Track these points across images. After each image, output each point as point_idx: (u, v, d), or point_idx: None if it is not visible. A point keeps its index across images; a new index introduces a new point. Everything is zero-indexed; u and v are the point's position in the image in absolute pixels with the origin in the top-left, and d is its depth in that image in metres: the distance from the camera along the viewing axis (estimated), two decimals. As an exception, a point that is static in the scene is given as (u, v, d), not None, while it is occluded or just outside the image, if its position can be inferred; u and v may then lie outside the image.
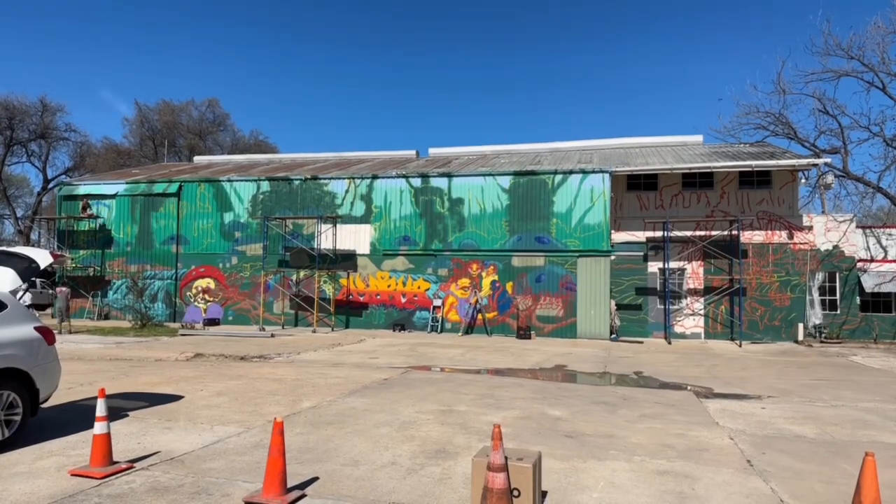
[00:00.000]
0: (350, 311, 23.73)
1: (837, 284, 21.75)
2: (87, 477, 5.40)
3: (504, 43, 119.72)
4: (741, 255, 21.63)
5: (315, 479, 5.47)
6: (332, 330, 22.80)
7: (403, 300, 23.32)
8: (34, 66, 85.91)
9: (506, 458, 4.51)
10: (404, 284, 23.37)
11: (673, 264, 22.40)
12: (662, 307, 22.23)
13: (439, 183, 23.51)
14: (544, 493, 5.22)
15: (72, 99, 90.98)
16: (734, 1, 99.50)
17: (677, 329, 22.31)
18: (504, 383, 11.37)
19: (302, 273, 24.18)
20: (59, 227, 27.05)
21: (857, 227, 22.78)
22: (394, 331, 22.59)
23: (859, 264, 22.31)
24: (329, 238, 23.87)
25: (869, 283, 21.77)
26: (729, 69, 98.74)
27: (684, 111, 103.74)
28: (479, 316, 22.52)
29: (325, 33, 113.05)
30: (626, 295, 22.74)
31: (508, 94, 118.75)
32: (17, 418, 6.39)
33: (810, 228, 21.94)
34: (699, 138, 27.68)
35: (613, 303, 21.92)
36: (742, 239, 21.75)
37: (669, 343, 20.63)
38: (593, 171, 22.19)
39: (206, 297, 24.91)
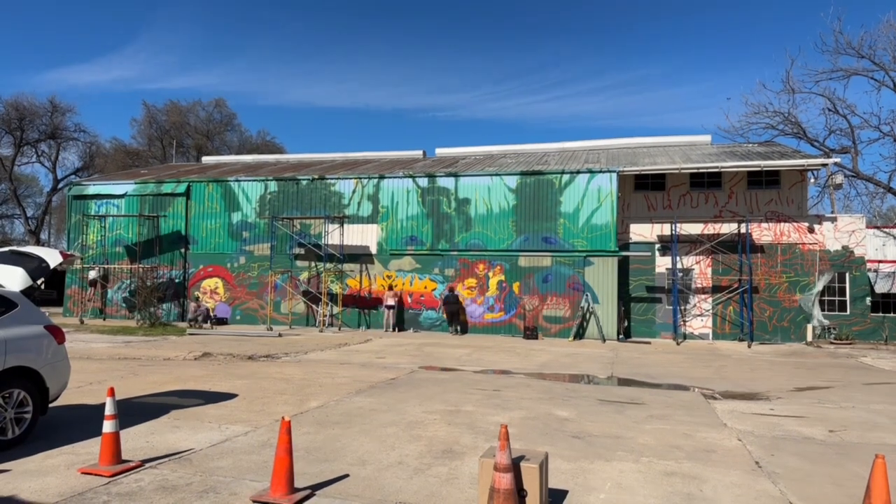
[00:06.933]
0: (357, 311, 23.77)
1: (847, 285, 21.57)
2: (96, 475, 5.44)
3: (510, 43, 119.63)
4: (750, 256, 21.51)
5: (336, 480, 5.48)
6: (339, 330, 22.85)
7: (410, 300, 23.34)
8: (44, 65, 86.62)
9: (512, 458, 4.51)
10: (411, 284, 23.39)
11: (681, 264, 22.30)
12: (670, 307, 22.14)
13: (446, 183, 23.51)
14: (564, 493, 5.22)
15: (81, 99, 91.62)
16: None
17: (685, 329, 22.20)
18: (511, 383, 11.36)
19: (309, 273, 24.26)
20: (69, 227, 27.26)
21: (868, 227, 22.60)
22: (393, 330, 22.58)
23: (870, 265, 22.13)
24: (336, 238, 23.93)
25: (881, 285, 21.59)
26: (737, 68, 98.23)
27: (692, 111, 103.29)
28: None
29: (331, 33, 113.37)
30: (636, 294, 22.68)
31: (515, 94, 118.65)
32: (28, 416, 6.44)
33: (821, 223, 21.75)
34: (707, 138, 27.53)
35: (621, 303, 21.86)
36: (750, 239, 21.62)
37: (678, 344, 20.55)
38: (601, 171, 22.12)
39: (215, 296, 25.02)
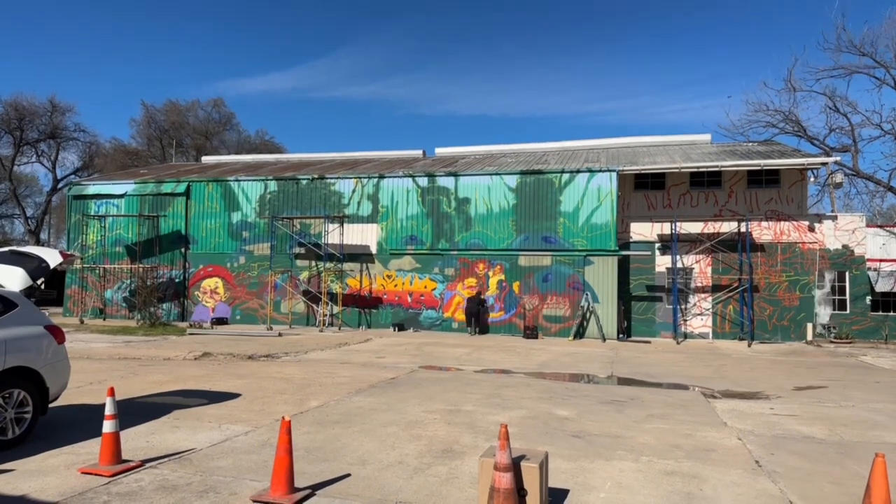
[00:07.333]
0: (357, 311, 23.78)
1: (847, 284, 21.58)
2: (96, 475, 5.44)
3: (509, 42, 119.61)
4: (750, 255, 21.51)
5: (336, 479, 5.48)
6: (339, 329, 22.85)
7: (410, 300, 23.34)
8: (43, 65, 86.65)
9: (513, 457, 4.50)
10: (411, 284, 23.39)
11: (681, 264, 22.31)
12: (671, 307, 22.14)
13: (446, 182, 23.51)
14: (565, 493, 5.22)
15: (81, 99, 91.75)
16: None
17: (685, 329, 22.21)
18: (511, 383, 11.36)
19: (309, 272, 24.26)
20: (68, 227, 27.26)
21: (868, 226, 22.60)
22: (394, 330, 22.61)
23: (871, 264, 22.13)
24: (336, 238, 23.93)
25: (882, 284, 21.59)
26: (738, 66, 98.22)
27: (692, 110, 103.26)
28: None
29: (329, 33, 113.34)
30: (636, 293, 22.69)
31: (514, 93, 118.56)
32: (28, 416, 6.44)
33: (821, 222, 21.74)
34: (707, 137, 27.53)
35: (621, 302, 21.86)
36: (750, 238, 21.63)
37: (678, 343, 20.55)
38: (600, 171, 22.12)
39: (215, 295, 25.00)
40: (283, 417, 5.03)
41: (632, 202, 23.75)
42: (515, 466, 4.51)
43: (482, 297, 22.45)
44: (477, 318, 21.97)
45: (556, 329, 21.79)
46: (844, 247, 21.57)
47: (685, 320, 22.30)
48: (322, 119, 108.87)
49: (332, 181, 24.60)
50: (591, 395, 10.15)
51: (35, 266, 7.84)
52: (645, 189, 23.83)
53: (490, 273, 22.68)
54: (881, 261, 22.77)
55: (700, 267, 22.44)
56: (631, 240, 22.90)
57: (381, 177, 24.14)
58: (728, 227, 22.03)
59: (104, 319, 25.09)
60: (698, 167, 21.93)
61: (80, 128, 47.94)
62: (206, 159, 35.72)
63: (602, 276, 21.57)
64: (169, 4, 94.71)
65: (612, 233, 21.71)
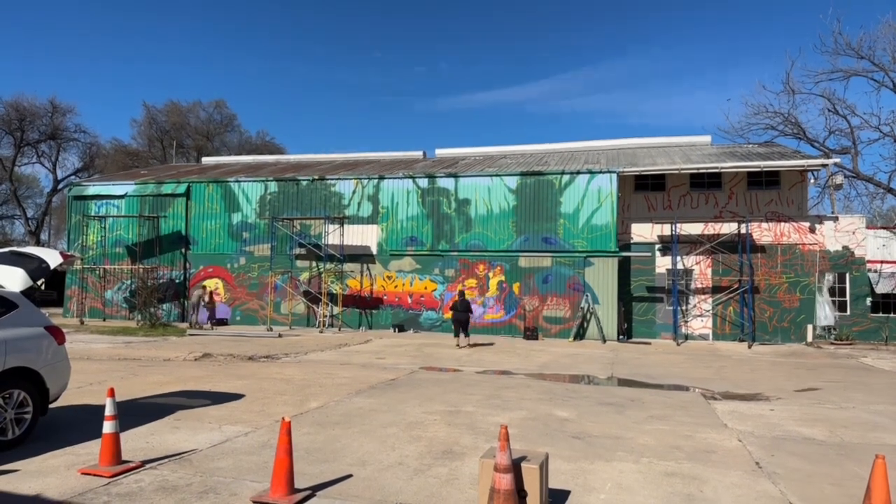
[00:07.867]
0: (357, 312, 23.78)
1: (847, 286, 21.56)
2: (96, 475, 5.44)
3: (509, 42, 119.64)
4: (750, 256, 21.51)
5: (337, 480, 5.48)
6: (339, 330, 22.85)
7: (410, 301, 23.34)
8: (44, 66, 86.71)
9: (513, 458, 4.50)
10: (411, 285, 23.39)
11: (681, 265, 22.31)
12: (671, 308, 22.13)
13: (446, 183, 23.51)
14: (565, 494, 5.23)
15: (81, 99, 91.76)
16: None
17: (685, 330, 22.19)
18: (511, 384, 11.36)
19: (309, 273, 24.26)
20: (69, 228, 27.27)
21: (868, 227, 22.60)
22: (394, 331, 22.60)
23: (871, 265, 22.12)
24: (336, 238, 23.93)
25: (882, 286, 21.59)
26: (737, 69, 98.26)
27: (692, 111, 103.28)
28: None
29: (330, 33, 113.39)
30: (636, 295, 22.68)
31: (514, 94, 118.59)
32: (28, 417, 6.44)
33: (821, 223, 21.73)
34: (707, 139, 27.54)
35: (621, 303, 21.85)
36: (751, 239, 21.63)
37: (678, 344, 20.54)
38: (601, 172, 22.12)
39: (216, 296, 24.97)
40: (283, 418, 5.03)
41: (632, 203, 23.75)
42: (516, 467, 4.51)
43: (466, 298, 18.44)
44: (465, 325, 17.82)
45: (556, 330, 21.78)
46: (845, 248, 21.56)
47: (685, 322, 22.28)
48: (324, 118, 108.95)
49: (333, 182, 24.60)
50: (591, 397, 10.15)
51: (35, 267, 7.84)
52: (645, 190, 23.84)
53: (490, 274, 22.67)
54: (881, 262, 22.76)
55: (700, 268, 22.43)
56: (631, 241, 22.90)
57: (382, 178, 24.15)
58: (728, 228, 22.03)
59: (104, 320, 25.09)
60: (698, 168, 21.94)
61: (80, 128, 48.09)
62: (206, 160, 35.72)
63: (602, 277, 21.56)
64: (170, 4, 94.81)
65: (612, 234, 21.71)
